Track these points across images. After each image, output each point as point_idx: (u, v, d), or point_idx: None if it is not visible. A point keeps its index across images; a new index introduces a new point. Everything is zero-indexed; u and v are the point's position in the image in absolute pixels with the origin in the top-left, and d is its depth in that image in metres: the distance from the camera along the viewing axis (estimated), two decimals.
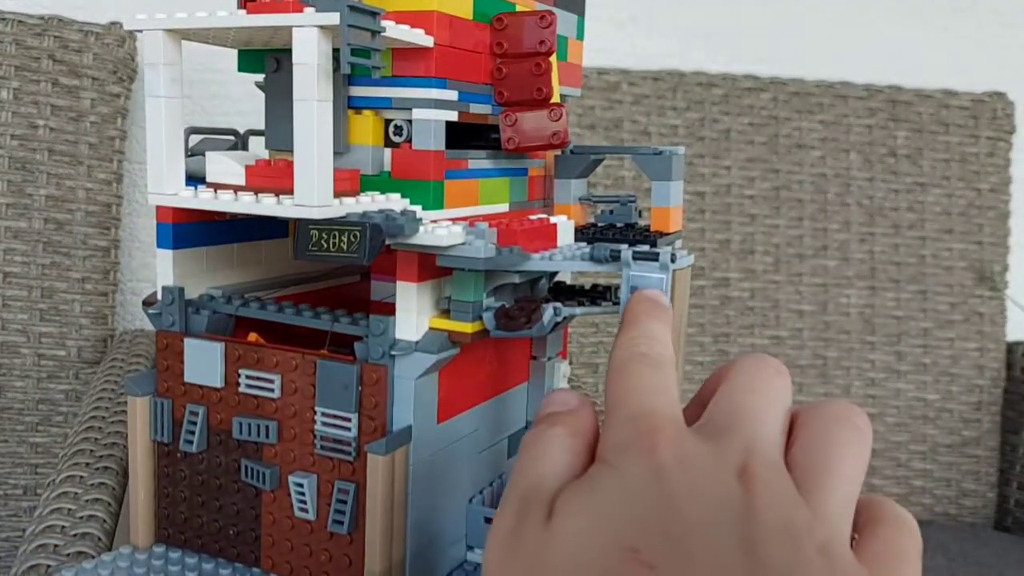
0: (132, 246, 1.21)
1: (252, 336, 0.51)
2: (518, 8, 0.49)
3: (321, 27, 0.39)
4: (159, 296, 0.50)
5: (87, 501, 0.64)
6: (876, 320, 1.30)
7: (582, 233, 0.51)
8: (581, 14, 0.56)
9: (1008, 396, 1.32)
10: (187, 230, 0.50)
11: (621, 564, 0.25)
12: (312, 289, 0.59)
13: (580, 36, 0.56)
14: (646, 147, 0.48)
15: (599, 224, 0.52)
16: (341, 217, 0.41)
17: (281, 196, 0.42)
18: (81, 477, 0.67)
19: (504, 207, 0.52)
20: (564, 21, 0.53)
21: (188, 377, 0.49)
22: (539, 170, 0.55)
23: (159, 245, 0.50)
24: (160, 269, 0.50)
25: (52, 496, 0.64)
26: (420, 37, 0.43)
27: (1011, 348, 1.33)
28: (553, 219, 0.49)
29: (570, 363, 0.58)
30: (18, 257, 1.05)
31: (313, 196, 0.41)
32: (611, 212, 0.52)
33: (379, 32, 0.40)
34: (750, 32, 1.38)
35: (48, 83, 1.05)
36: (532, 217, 0.50)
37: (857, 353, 1.29)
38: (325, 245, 0.40)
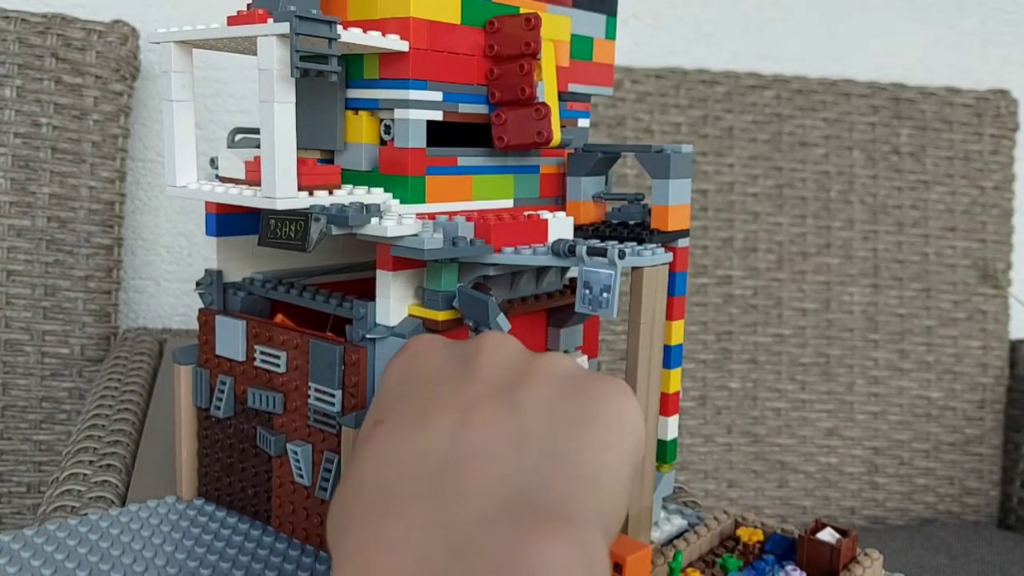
0: (135, 244, 1.22)
1: (279, 317, 0.54)
2: (522, 10, 0.49)
3: (279, 36, 0.42)
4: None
5: (90, 499, 0.64)
6: (879, 318, 1.30)
7: (593, 230, 0.52)
8: (612, 13, 0.56)
9: (1011, 394, 1.32)
10: (229, 220, 0.55)
11: (369, 432, 0.35)
12: (361, 277, 0.61)
13: (610, 35, 0.56)
14: (658, 145, 0.49)
15: (613, 221, 0.53)
16: (295, 209, 0.44)
17: (257, 189, 0.46)
18: (84, 475, 0.67)
19: (508, 203, 0.52)
20: (590, 21, 0.55)
21: (218, 350, 0.54)
22: (554, 167, 0.55)
23: (207, 232, 0.55)
24: (210, 254, 0.56)
25: (55, 494, 0.65)
26: (393, 43, 0.45)
27: (1014, 346, 1.33)
28: (546, 215, 0.50)
29: (589, 358, 0.59)
30: (21, 255, 1.05)
31: (275, 188, 0.44)
32: (619, 210, 0.53)
33: (335, 39, 0.43)
34: (753, 29, 1.38)
35: (51, 81, 1.05)
36: (527, 213, 0.50)
37: (860, 351, 1.29)
38: (279, 233, 0.43)
